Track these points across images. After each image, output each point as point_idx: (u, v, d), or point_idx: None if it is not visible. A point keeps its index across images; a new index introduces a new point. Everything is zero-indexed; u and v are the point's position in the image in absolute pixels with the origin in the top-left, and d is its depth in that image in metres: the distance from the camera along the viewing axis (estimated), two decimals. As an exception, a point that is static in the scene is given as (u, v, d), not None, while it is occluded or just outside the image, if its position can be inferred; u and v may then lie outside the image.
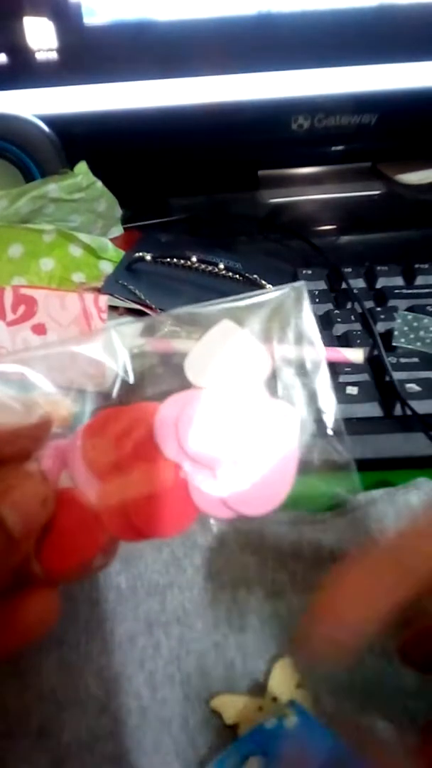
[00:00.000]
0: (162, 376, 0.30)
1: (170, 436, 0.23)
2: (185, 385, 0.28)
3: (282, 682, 0.31)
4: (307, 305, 0.29)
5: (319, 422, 0.28)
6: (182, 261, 0.52)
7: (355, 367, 0.45)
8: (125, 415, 0.24)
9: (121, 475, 0.23)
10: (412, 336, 0.47)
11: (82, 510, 0.23)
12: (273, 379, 0.25)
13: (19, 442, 0.24)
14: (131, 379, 0.28)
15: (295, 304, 0.29)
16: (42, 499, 0.22)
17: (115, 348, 0.30)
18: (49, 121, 0.54)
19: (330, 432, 0.29)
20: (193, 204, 0.67)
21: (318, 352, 0.29)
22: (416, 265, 0.55)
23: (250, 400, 0.24)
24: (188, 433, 0.23)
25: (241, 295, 0.27)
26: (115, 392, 0.32)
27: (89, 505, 0.23)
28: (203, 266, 0.52)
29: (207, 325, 0.26)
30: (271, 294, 0.29)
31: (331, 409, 0.30)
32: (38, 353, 0.29)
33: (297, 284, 0.29)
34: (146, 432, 0.23)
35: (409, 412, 0.42)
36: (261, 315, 0.27)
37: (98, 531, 0.23)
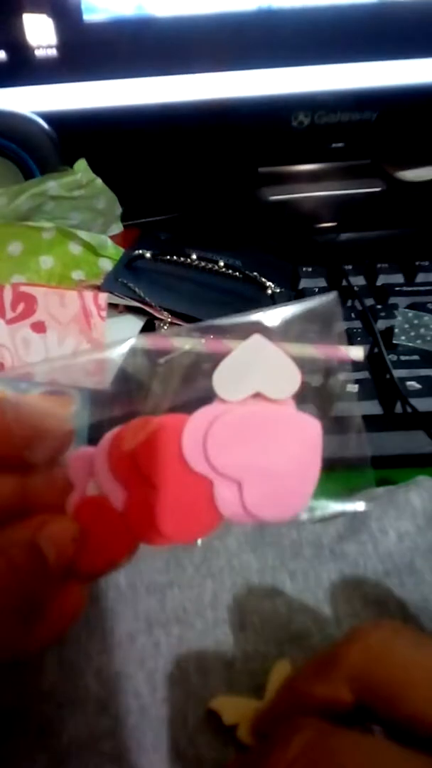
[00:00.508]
0: (163, 374, 0.30)
1: (198, 450, 0.24)
2: (186, 383, 0.28)
3: (281, 682, 0.31)
4: (339, 316, 0.29)
5: (340, 420, 0.29)
6: (182, 258, 0.51)
7: (355, 365, 0.44)
8: (153, 425, 0.24)
9: (147, 484, 0.24)
10: (412, 333, 0.47)
11: (110, 517, 0.24)
12: (300, 390, 0.25)
13: (45, 447, 0.25)
14: (132, 378, 0.28)
15: (326, 315, 0.29)
16: (72, 536, 0.23)
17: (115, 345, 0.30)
18: (49, 118, 0.53)
19: (350, 430, 0.30)
20: (193, 201, 0.67)
21: (343, 355, 0.29)
22: (417, 263, 0.55)
23: (277, 415, 0.25)
24: (216, 448, 0.24)
25: (271, 307, 0.27)
26: (114, 390, 0.32)
27: (116, 513, 0.24)
28: (203, 264, 0.52)
29: (235, 337, 0.26)
30: (303, 305, 0.29)
31: (354, 408, 0.30)
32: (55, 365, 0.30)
33: (330, 296, 0.30)
34: (174, 444, 0.24)
35: (409, 410, 0.42)
36: (292, 327, 0.28)
37: (125, 536, 0.24)
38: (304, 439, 0.25)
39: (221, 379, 0.24)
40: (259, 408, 0.24)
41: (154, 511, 0.24)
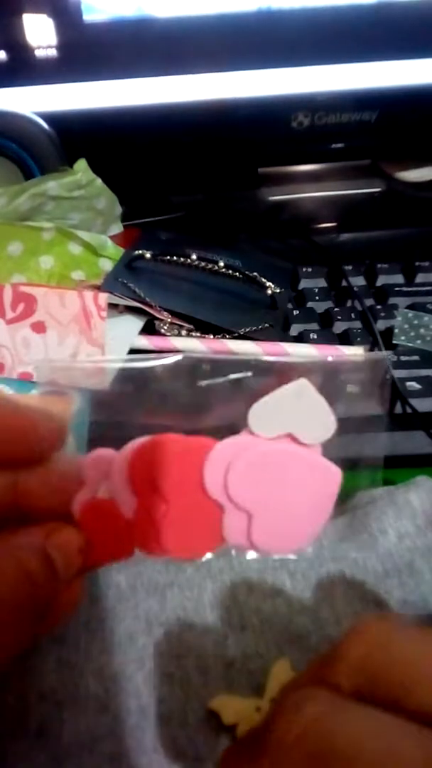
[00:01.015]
0: (163, 376, 0.30)
1: (218, 477, 0.24)
2: (187, 387, 0.28)
3: (280, 682, 0.31)
4: (389, 377, 0.30)
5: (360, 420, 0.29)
6: (182, 259, 0.51)
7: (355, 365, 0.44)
8: (180, 443, 0.25)
9: (160, 498, 0.24)
10: (412, 334, 0.47)
11: (115, 522, 0.25)
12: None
13: (33, 444, 0.25)
14: (132, 381, 0.29)
15: (374, 373, 0.30)
16: (79, 546, 0.24)
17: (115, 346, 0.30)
18: (49, 118, 0.53)
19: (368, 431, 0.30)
20: (193, 202, 0.67)
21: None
22: (417, 263, 0.55)
23: (302, 459, 0.25)
24: (235, 479, 0.24)
25: (326, 354, 0.28)
26: (114, 391, 0.32)
27: (122, 519, 0.25)
28: (203, 264, 0.52)
29: (284, 375, 0.27)
30: (355, 358, 0.30)
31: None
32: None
33: (381, 355, 0.31)
34: (196, 465, 0.24)
35: (409, 411, 0.42)
36: (338, 377, 0.29)
37: (126, 542, 0.25)
38: (323, 485, 0.26)
39: (257, 414, 0.25)
40: (287, 448, 0.25)
41: (160, 525, 0.24)
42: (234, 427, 0.25)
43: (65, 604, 0.25)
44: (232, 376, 0.29)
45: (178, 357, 0.30)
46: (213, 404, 0.30)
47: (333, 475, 0.26)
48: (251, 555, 0.26)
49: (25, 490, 0.25)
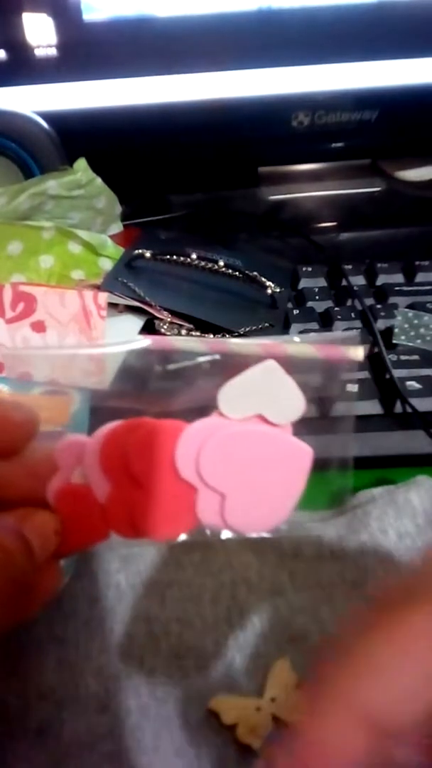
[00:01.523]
0: (162, 374, 0.30)
1: (189, 459, 0.24)
2: (186, 385, 0.28)
3: (280, 682, 0.31)
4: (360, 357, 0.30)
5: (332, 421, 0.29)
6: (182, 258, 0.51)
7: (355, 365, 0.44)
8: (151, 427, 0.25)
9: (133, 481, 0.25)
10: (412, 333, 0.47)
11: (90, 506, 0.25)
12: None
13: (7, 433, 0.25)
14: (131, 378, 0.29)
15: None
16: (54, 529, 0.24)
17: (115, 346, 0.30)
18: (49, 117, 0.53)
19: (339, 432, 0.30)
20: (193, 201, 0.67)
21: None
22: (416, 263, 0.55)
23: (272, 439, 0.26)
24: (207, 460, 0.25)
25: (293, 336, 0.28)
26: (114, 390, 0.32)
27: (96, 503, 0.25)
28: (203, 263, 0.51)
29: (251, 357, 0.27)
30: (324, 336, 0.30)
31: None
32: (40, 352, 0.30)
33: (351, 334, 0.31)
34: (167, 448, 0.25)
35: (409, 410, 0.42)
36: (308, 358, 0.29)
37: (101, 526, 0.25)
38: (294, 464, 0.26)
39: (227, 395, 0.25)
40: (257, 429, 0.25)
41: (135, 508, 0.25)
42: (204, 409, 0.25)
43: (44, 590, 0.25)
44: (201, 359, 0.29)
45: (147, 341, 0.30)
46: (183, 387, 0.30)
47: (304, 454, 0.26)
48: (225, 534, 0.26)
49: (0, 479, 0.25)
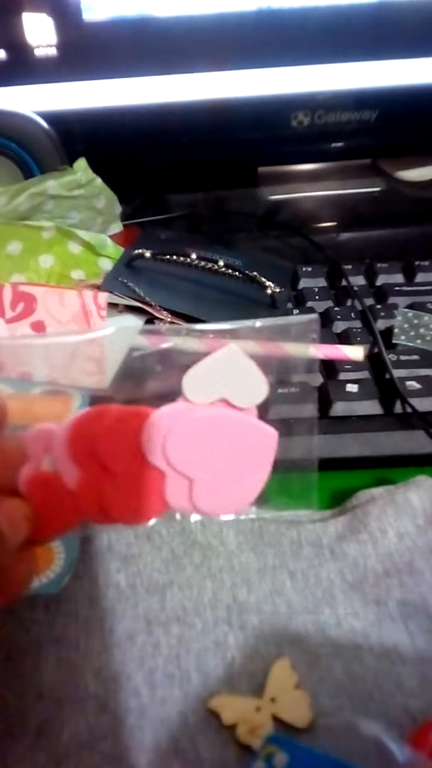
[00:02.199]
0: (160, 374, 0.30)
1: (157, 444, 0.25)
2: (155, 379, 0.29)
3: (280, 682, 0.31)
4: (315, 338, 0.31)
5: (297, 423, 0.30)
6: (182, 258, 0.51)
7: (355, 365, 0.44)
8: (118, 413, 0.25)
9: (102, 468, 0.25)
10: (412, 333, 0.47)
11: (60, 494, 0.25)
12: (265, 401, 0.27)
13: None
14: (130, 378, 0.29)
15: (303, 335, 0.31)
16: (24, 515, 0.25)
17: (114, 345, 0.31)
18: (49, 117, 0.53)
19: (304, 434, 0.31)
20: (193, 201, 0.67)
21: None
22: (416, 263, 0.54)
23: (237, 422, 0.26)
24: (174, 445, 0.25)
25: (255, 320, 0.29)
26: (113, 390, 0.32)
27: (66, 490, 0.25)
28: (203, 263, 0.51)
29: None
30: (283, 321, 0.32)
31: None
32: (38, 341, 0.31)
33: (311, 317, 0.32)
34: (135, 434, 0.25)
35: (409, 410, 0.42)
36: (268, 340, 0.30)
37: (72, 513, 0.26)
38: (259, 447, 0.27)
39: (191, 381, 0.26)
40: (221, 413, 0.26)
41: (105, 494, 0.25)
42: (170, 395, 0.26)
43: (17, 578, 0.25)
44: (163, 345, 0.30)
45: (111, 329, 0.31)
46: (149, 374, 0.30)
47: (269, 437, 0.26)
48: (195, 518, 0.27)
49: None
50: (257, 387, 0.26)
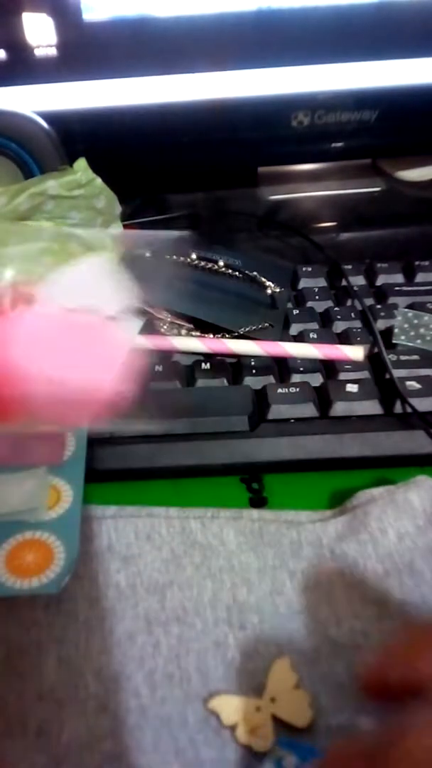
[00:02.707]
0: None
1: (14, 348, 0.25)
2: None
3: (280, 682, 0.31)
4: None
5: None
6: (182, 258, 0.51)
7: (355, 365, 0.44)
8: None
9: None
10: (412, 333, 0.47)
11: None
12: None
13: None
14: None
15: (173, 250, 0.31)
16: None
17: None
18: (48, 117, 0.53)
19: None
20: (193, 201, 0.67)
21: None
22: (416, 263, 0.55)
23: (92, 328, 0.27)
24: (28, 350, 0.25)
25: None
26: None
27: None
28: (203, 263, 0.51)
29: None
30: (154, 236, 0.32)
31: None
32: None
33: (182, 234, 0.32)
34: None
35: (409, 410, 0.42)
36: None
37: None
38: (112, 352, 0.27)
39: (51, 286, 0.26)
40: (77, 318, 0.27)
41: None
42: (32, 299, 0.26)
43: None
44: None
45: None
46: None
47: (122, 343, 0.27)
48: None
49: None
50: (122, 294, 0.26)
